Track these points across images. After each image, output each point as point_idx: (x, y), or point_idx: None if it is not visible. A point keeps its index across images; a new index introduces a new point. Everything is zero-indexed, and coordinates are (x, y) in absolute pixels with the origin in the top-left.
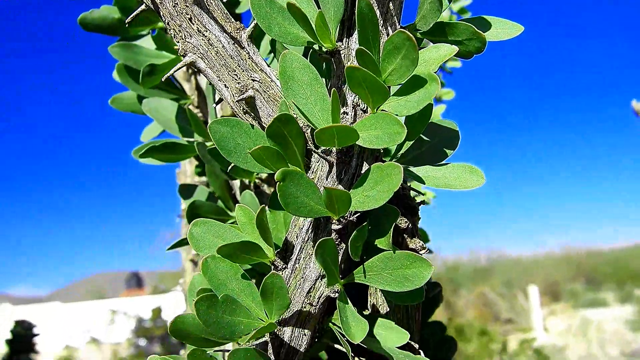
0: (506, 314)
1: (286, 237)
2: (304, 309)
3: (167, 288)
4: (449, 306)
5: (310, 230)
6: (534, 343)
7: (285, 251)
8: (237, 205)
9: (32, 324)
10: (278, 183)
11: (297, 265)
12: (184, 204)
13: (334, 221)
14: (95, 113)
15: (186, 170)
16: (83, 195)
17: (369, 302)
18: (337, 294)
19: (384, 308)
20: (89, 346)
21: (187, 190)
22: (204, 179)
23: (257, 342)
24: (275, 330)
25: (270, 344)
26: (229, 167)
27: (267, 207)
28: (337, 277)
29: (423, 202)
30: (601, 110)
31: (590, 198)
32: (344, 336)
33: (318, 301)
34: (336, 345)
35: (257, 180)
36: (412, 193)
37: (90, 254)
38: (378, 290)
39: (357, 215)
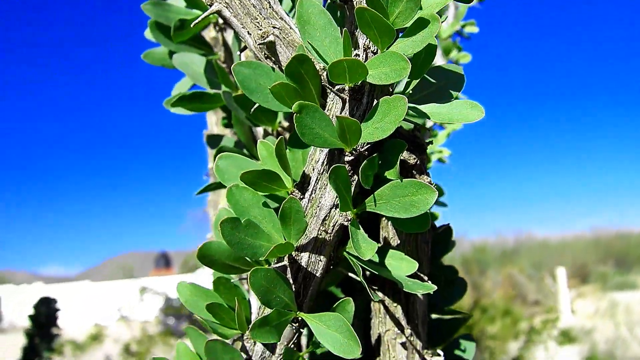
0: (533, 296)
1: (303, 170)
2: (320, 236)
3: (196, 265)
4: (475, 288)
5: (325, 163)
6: (557, 323)
7: (303, 183)
8: (258, 141)
9: (55, 300)
10: (295, 115)
11: (313, 195)
12: (211, 163)
13: (346, 153)
14: (124, 94)
15: (213, 131)
16: (113, 177)
17: (380, 236)
18: (349, 222)
19: (394, 241)
20: (118, 323)
21: (214, 139)
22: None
23: (276, 265)
24: (294, 254)
25: (288, 268)
26: (252, 109)
27: (286, 145)
28: (350, 204)
29: (431, 142)
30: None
31: (620, 179)
32: (357, 259)
33: (332, 229)
34: (350, 274)
35: (279, 129)
36: (426, 159)
37: (119, 235)
38: (389, 224)
39: (367, 147)
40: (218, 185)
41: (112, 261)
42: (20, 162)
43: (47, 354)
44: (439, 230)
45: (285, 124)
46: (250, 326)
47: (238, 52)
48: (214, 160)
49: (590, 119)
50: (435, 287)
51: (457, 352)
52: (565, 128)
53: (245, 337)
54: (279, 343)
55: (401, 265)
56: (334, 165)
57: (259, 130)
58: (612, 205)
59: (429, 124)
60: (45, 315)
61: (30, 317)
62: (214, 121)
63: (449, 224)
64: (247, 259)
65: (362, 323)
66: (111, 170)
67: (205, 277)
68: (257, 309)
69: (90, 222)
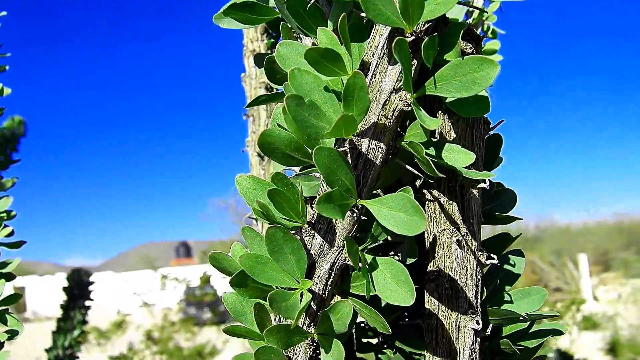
0: (555, 283)
1: (362, 58)
2: (380, 122)
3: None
4: None
5: (385, 47)
6: (580, 307)
7: (363, 69)
8: (318, 28)
9: (89, 272)
10: None
11: (373, 79)
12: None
13: (407, 34)
14: (145, 84)
15: (251, 74)
16: (132, 168)
17: (436, 132)
18: (409, 107)
19: (450, 135)
20: (141, 311)
21: (261, 57)
22: None
23: (339, 150)
24: (354, 140)
25: (349, 154)
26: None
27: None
28: (411, 85)
29: (485, 35)
30: None
31: None
32: (416, 151)
33: (392, 114)
34: (408, 167)
35: None
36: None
37: (140, 225)
38: (445, 117)
39: (428, 26)
40: (267, 98)
41: (133, 251)
42: (42, 154)
43: (79, 328)
44: (492, 128)
45: None
46: (316, 200)
47: None
48: (267, 76)
49: (613, 103)
50: (495, 175)
51: (506, 266)
52: (586, 113)
53: (304, 230)
54: (338, 235)
55: (458, 157)
56: (397, 38)
57: (307, 43)
58: (635, 192)
59: None
60: (78, 287)
61: (64, 289)
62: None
63: (503, 120)
64: (308, 149)
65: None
66: (132, 161)
67: None
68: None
69: (111, 213)
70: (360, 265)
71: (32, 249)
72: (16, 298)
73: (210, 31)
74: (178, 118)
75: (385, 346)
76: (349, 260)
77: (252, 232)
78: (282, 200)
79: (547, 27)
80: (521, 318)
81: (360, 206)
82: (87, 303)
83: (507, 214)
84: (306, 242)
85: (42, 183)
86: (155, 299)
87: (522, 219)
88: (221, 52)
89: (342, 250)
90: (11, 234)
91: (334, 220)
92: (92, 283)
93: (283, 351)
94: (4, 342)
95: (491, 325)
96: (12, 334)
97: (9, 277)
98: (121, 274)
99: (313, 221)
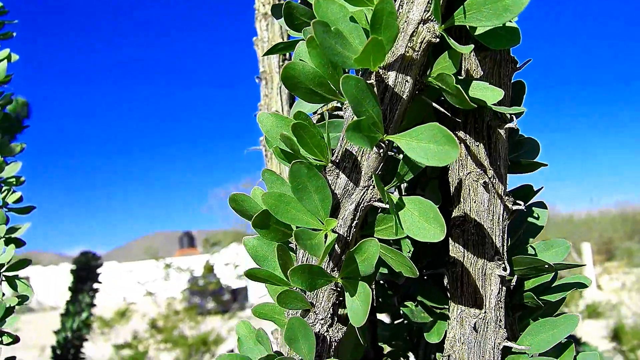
0: (559, 272)
1: None
2: (407, 54)
3: (223, 244)
4: None
5: None
6: (582, 295)
7: None
8: None
9: (97, 255)
10: None
11: (400, 10)
12: (261, 66)
13: None
14: (147, 75)
15: (263, 37)
16: (136, 159)
17: (463, 68)
18: (437, 39)
19: (477, 73)
20: (145, 300)
21: (279, 7)
22: None
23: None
24: (381, 73)
25: (375, 87)
26: None
27: None
28: (439, 14)
29: None
30: None
31: None
32: (445, 83)
33: (420, 46)
34: (434, 105)
35: None
36: None
37: (143, 216)
38: (472, 55)
39: None
40: (285, 47)
41: (137, 242)
42: (44, 145)
43: (87, 311)
44: (519, 67)
45: None
46: (345, 127)
47: None
48: (285, 20)
49: (618, 91)
50: (525, 109)
51: (530, 219)
52: (592, 101)
53: (328, 169)
54: (363, 173)
55: (486, 94)
56: None
57: None
58: (639, 181)
59: None
60: (85, 269)
61: (72, 271)
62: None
63: (530, 59)
64: (332, 85)
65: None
66: (136, 152)
67: (228, 255)
68: None
69: (115, 204)
70: (387, 206)
71: (35, 239)
72: (25, 263)
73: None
74: (182, 109)
75: (406, 301)
76: (374, 201)
77: (272, 175)
78: (307, 135)
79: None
80: (547, 266)
81: (386, 142)
82: (96, 286)
83: (533, 160)
84: (330, 181)
85: (45, 172)
86: (159, 288)
87: (547, 165)
88: (230, 45)
89: (367, 190)
90: (20, 199)
91: (359, 158)
92: (100, 266)
93: (306, 296)
94: (14, 307)
95: (515, 277)
96: (23, 299)
97: (19, 243)
98: (125, 264)
99: (337, 160)
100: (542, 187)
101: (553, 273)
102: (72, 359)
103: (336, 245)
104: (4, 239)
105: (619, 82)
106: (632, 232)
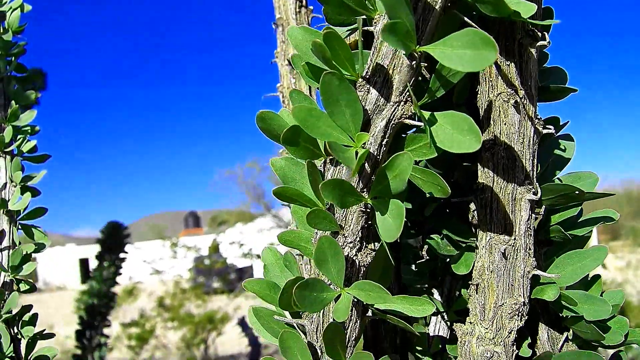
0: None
1: None
2: None
3: (229, 223)
4: None
5: None
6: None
7: None
8: None
9: (124, 225)
10: None
11: None
12: (278, 13)
13: None
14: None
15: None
16: (138, 140)
17: None
18: None
19: None
20: (152, 279)
21: None
22: None
23: None
24: None
25: None
26: None
27: None
28: None
29: None
30: None
31: None
32: None
33: None
34: (465, 19)
35: None
36: None
37: (148, 196)
38: None
39: None
40: None
41: (143, 222)
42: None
43: (112, 279)
44: None
45: None
46: (380, 30)
47: None
48: None
49: (624, 64)
50: (559, 21)
51: (557, 151)
52: (598, 73)
53: (358, 84)
54: (394, 88)
55: (520, 7)
56: None
57: None
58: None
59: None
60: (112, 238)
61: (98, 240)
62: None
63: None
64: None
65: None
66: (140, 132)
67: (233, 235)
68: None
69: (120, 184)
70: (419, 123)
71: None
72: (41, 211)
73: None
74: (188, 87)
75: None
76: (405, 118)
77: (300, 94)
78: (338, 46)
79: None
80: (577, 192)
81: (419, 53)
82: (122, 255)
83: (563, 86)
84: (360, 97)
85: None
86: (166, 267)
87: (577, 90)
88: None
89: (398, 106)
90: (35, 148)
91: (390, 72)
92: (127, 236)
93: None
94: (31, 254)
95: (544, 207)
96: (40, 247)
97: (34, 192)
98: (132, 244)
99: (367, 76)
100: (568, 121)
101: (579, 208)
102: (98, 325)
103: (366, 165)
104: (20, 186)
105: (631, 55)
106: (637, 212)
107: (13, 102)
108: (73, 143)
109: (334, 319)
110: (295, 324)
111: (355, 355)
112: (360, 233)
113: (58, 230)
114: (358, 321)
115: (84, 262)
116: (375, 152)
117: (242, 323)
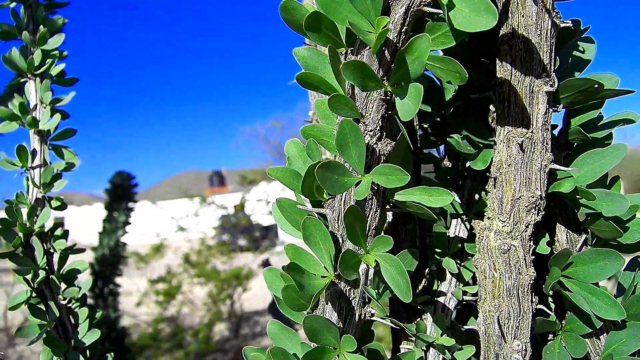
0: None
1: None
2: None
3: (256, 181)
4: None
5: None
6: None
7: None
8: None
9: (131, 175)
10: None
11: None
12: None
13: None
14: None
15: None
16: (162, 98)
17: None
18: None
19: None
20: (178, 236)
21: None
22: None
23: None
24: None
25: None
26: None
27: None
28: None
29: None
30: None
31: None
32: None
33: None
34: None
35: None
36: None
37: (172, 155)
38: None
39: None
40: None
41: (168, 181)
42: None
43: (122, 229)
44: None
45: None
46: None
47: None
48: None
49: None
50: None
51: (576, 53)
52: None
53: None
54: None
55: None
56: None
57: None
58: None
59: None
60: (121, 188)
61: (106, 190)
62: None
63: None
64: None
65: None
66: (159, 93)
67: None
68: None
69: (144, 143)
70: (437, 10)
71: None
72: (71, 132)
73: None
74: (211, 46)
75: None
76: (423, 4)
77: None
78: None
79: None
80: (596, 86)
81: None
82: (130, 205)
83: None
84: None
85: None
86: (192, 224)
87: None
88: None
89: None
90: (63, 72)
91: None
92: (135, 185)
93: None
94: (61, 173)
95: (561, 105)
96: (69, 166)
97: (64, 114)
98: (157, 203)
99: None
100: (589, 26)
101: (599, 110)
102: (109, 274)
103: (386, 52)
104: (49, 107)
105: None
106: None
107: (41, 26)
108: (96, 102)
109: (355, 201)
110: (316, 214)
111: (377, 240)
112: (380, 122)
113: (84, 190)
114: (378, 211)
115: None
116: (395, 39)
117: None
